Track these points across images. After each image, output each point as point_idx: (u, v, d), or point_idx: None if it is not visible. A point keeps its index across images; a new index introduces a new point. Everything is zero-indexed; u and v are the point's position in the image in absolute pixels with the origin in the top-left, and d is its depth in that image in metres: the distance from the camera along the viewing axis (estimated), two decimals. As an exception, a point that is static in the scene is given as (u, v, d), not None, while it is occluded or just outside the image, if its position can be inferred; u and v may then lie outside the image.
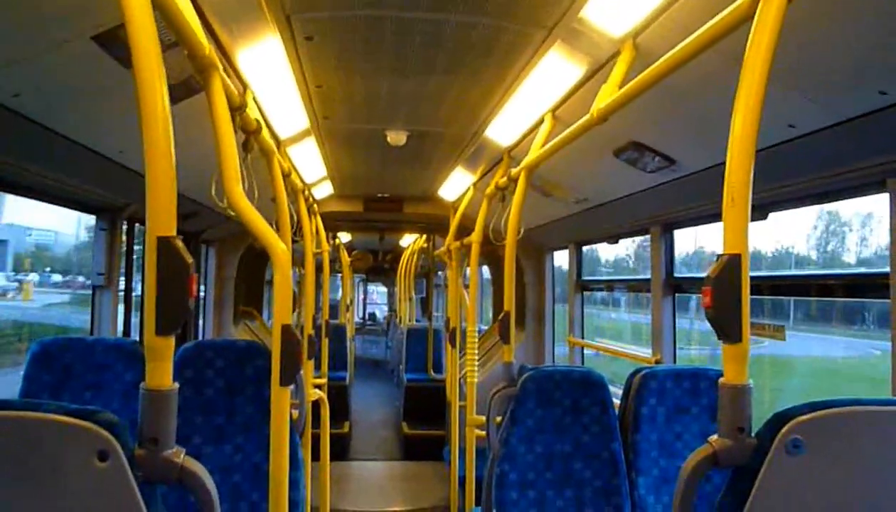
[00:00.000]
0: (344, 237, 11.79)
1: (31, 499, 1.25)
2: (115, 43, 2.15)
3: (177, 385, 1.41)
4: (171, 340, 1.40)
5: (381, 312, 23.09)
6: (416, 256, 12.06)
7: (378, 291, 24.45)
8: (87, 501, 1.27)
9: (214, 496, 1.41)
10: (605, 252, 7.35)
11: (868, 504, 1.41)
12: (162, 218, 1.37)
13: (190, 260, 1.39)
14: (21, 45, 2.03)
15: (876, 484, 1.42)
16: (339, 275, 13.33)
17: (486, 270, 9.15)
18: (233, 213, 2.08)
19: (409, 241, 11.93)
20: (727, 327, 1.45)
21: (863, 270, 3.19)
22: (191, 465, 1.39)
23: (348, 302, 12.19)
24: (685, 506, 1.51)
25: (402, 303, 13.19)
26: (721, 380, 1.48)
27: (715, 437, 1.48)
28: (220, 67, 1.98)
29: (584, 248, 6.28)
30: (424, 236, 10.41)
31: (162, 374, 1.39)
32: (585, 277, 6.33)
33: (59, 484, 1.26)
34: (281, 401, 2.20)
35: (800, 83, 2.19)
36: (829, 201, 2.99)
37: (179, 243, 1.38)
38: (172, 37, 1.81)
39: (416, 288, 13.54)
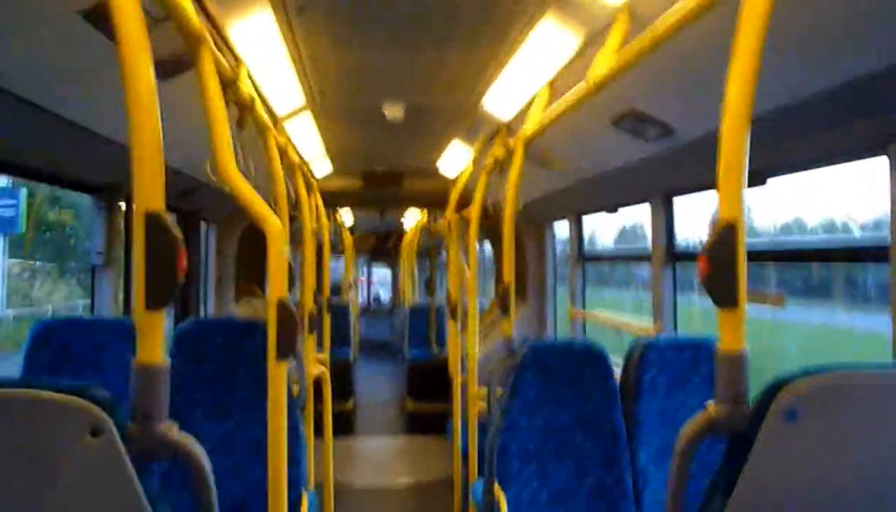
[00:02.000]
0: (347, 220, 11.77)
1: (24, 476, 1.25)
2: (106, 19, 2.12)
3: (168, 360, 1.41)
4: (162, 315, 1.40)
5: (385, 292, 23.16)
6: (418, 236, 12.05)
7: (383, 271, 24.50)
8: (80, 477, 1.27)
9: (208, 468, 1.41)
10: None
11: (865, 470, 1.41)
12: (149, 193, 1.36)
13: (179, 235, 1.38)
14: (4, 20, 2.01)
15: (873, 450, 1.40)
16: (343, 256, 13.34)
17: (488, 247, 9.11)
18: (227, 188, 2.07)
19: (412, 222, 11.90)
20: (722, 293, 1.43)
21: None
22: (183, 438, 1.39)
23: (351, 281, 12.19)
24: (682, 472, 1.51)
25: (406, 282, 13.20)
26: (717, 346, 1.47)
27: (712, 403, 1.47)
28: (211, 42, 1.96)
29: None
30: (426, 214, 10.39)
31: (152, 348, 1.38)
32: (587, 250, 6.32)
33: (51, 460, 1.26)
34: (278, 376, 2.19)
35: (797, 46, 2.16)
36: (829, 165, 2.96)
37: (167, 217, 1.37)
38: (163, 11, 1.79)
39: (419, 268, 13.54)
